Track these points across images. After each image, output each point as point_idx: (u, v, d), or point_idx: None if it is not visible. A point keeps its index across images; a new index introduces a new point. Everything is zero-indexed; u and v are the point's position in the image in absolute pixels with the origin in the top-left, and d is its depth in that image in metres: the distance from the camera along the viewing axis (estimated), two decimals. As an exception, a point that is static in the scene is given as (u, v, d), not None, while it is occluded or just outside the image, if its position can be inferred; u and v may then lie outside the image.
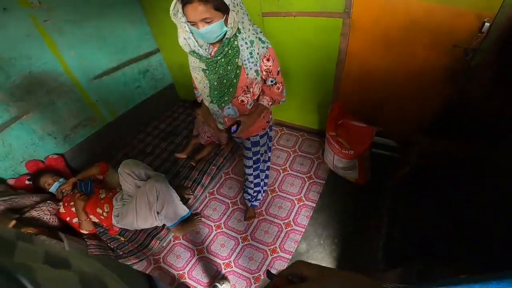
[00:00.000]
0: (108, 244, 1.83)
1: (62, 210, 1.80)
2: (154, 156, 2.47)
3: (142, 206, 1.71)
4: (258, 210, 2.11)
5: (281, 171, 2.37)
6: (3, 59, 1.78)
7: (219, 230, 2.07)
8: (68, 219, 1.80)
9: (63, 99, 2.16)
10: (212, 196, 2.26)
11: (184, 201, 2.05)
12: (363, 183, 2.08)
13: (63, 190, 1.84)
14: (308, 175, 2.30)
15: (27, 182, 1.88)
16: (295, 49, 2.04)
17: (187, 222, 1.97)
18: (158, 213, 1.75)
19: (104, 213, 1.79)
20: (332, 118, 2.02)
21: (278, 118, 2.73)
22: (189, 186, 2.13)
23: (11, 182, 1.88)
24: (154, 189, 1.69)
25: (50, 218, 1.69)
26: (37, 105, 2.00)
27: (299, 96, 2.34)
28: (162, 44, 2.76)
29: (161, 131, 2.77)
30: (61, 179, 1.92)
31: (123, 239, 1.85)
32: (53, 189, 1.87)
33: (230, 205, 2.20)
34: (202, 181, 2.18)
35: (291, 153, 2.52)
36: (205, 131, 2.37)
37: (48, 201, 1.74)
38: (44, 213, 1.67)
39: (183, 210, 1.90)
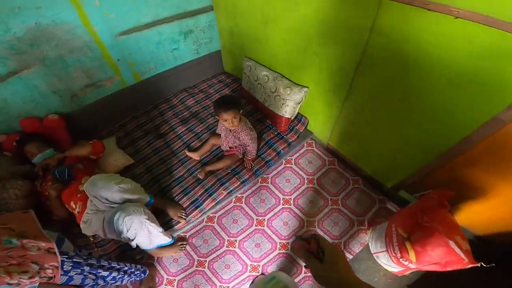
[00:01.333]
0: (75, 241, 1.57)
1: (38, 188, 1.55)
2: (163, 143, 2.03)
3: (111, 230, 1.34)
4: None
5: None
6: (3, 9, 1.40)
7: (200, 268, 1.65)
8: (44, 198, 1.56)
9: (76, 56, 1.76)
10: (210, 223, 1.80)
11: (173, 222, 1.64)
12: None
13: (45, 166, 1.57)
14: (339, 240, 1.64)
15: (14, 143, 1.64)
16: (421, 71, 1.14)
17: (167, 246, 1.59)
18: (129, 238, 1.37)
19: (76, 211, 1.49)
20: (417, 210, 1.22)
21: (336, 146, 1.98)
22: (184, 207, 1.69)
23: (2, 138, 1.67)
24: (124, 223, 1.28)
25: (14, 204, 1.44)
26: (42, 60, 1.65)
27: (387, 133, 1.52)
28: (219, 1, 2.05)
29: (186, 108, 2.26)
30: (47, 150, 1.63)
31: (92, 239, 1.57)
32: (36, 160, 1.61)
33: (226, 244, 1.73)
34: (203, 205, 1.70)
35: (329, 201, 1.83)
36: (229, 138, 1.79)
37: (19, 182, 1.48)
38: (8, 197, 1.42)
39: (163, 240, 1.49)
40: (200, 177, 1.78)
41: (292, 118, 1.95)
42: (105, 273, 1.25)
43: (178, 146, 1.99)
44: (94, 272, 1.18)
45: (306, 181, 1.94)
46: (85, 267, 1.14)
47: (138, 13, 1.84)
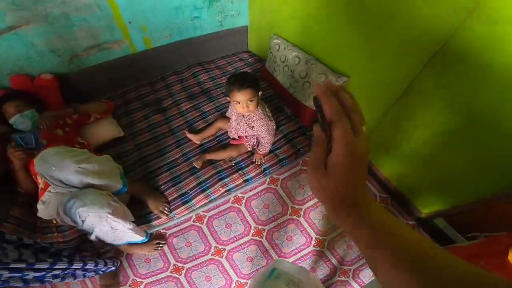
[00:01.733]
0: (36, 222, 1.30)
1: (7, 154, 1.30)
2: (163, 118, 1.73)
3: (66, 217, 1.04)
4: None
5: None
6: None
7: (174, 275, 1.32)
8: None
9: (83, 14, 1.54)
10: (198, 223, 1.46)
11: (152, 216, 1.32)
12: None
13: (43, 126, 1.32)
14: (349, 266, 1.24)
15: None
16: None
17: (139, 243, 1.28)
18: (87, 231, 1.07)
19: (40, 187, 1.22)
20: (474, 253, 0.84)
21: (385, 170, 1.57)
22: (169, 200, 1.36)
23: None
24: (77, 215, 0.98)
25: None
26: (44, 17, 1.46)
27: (449, 150, 1.13)
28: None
29: (197, 83, 1.95)
30: (27, 111, 1.39)
31: (54, 221, 1.29)
32: (12, 121, 1.36)
33: (212, 251, 1.38)
34: (193, 201, 1.36)
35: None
36: (240, 125, 1.43)
37: None
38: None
39: (133, 238, 1.18)
40: (196, 166, 1.45)
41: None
42: (57, 272, 0.96)
43: (179, 124, 1.68)
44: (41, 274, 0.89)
45: (290, 212, 1.54)
46: (29, 273, 0.86)
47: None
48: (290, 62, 1.60)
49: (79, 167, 1.03)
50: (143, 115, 1.74)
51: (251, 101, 1.23)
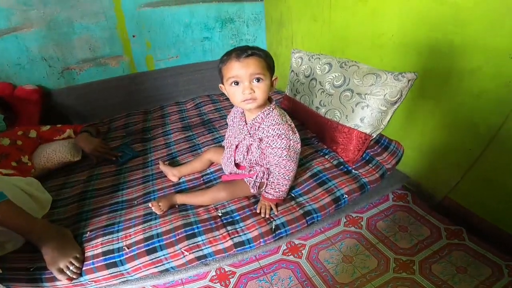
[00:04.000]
0: None
1: None
2: (142, 149, 1.21)
3: None
4: None
5: None
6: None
7: None
8: None
9: (86, 22, 1.40)
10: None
11: (44, 274, 0.66)
12: None
13: None
14: None
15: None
16: None
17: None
18: None
19: None
20: None
21: (467, 203, 0.89)
22: (81, 256, 0.72)
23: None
24: None
25: None
26: (48, 21, 1.36)
27: None
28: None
29: (199, 114, 1.48)
30: None
31: None
32: None
33: None
34: (127, 265, 0.71)
35: None
36: (240, 134, 0.84)
37: None
38: None
39: None
40: (154, 209, 0.82)
41: (373, 136, 0.94)
42: None
43: (159, 156, 1.14)
44: None
45: (393, 265, 0.86)
46: None
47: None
48: (318, 73, 1.10)
49: None
50: (118, 145, 1.26)
51: (257, 80, 0.71)
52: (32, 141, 1.09)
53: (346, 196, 0.87)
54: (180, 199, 0.87)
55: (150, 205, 0.83)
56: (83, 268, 0.71)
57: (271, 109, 0.78)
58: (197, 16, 1.53)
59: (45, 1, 1.32)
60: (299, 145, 0.80)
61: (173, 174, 0.98)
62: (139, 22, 1.46)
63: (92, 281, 0.71)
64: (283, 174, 0.79)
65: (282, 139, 0.76)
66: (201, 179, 0.99)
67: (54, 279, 0.69)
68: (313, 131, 1.15)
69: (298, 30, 1.44)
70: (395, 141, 1.01)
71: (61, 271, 0.68)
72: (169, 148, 1.20)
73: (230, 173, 0.91)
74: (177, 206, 0.87)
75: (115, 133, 1.37)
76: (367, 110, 0.89)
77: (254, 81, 0.70)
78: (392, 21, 0.95)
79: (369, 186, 0.91)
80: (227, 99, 1.59)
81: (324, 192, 0.87)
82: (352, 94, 0.94)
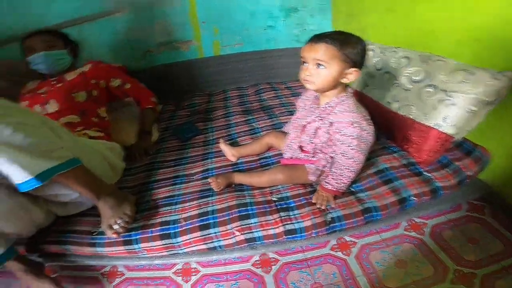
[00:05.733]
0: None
1: None
2: (203, 128, 1.27)
3: None
4: None
5: None
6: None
7: None
8: None
9: (164, 5, 1.48)
10: (180, 279, 0.81)
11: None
12: None
13: None
14: None
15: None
16: None
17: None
18: None
19: None
20: None
21: None
22: (133, 213, 0.81)
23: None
24: None
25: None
26: (135, 6, 1.47)
27: None
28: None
29: (259, 100, 1.49)
30: (55, 51, 1.07)
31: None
32: (30, 58, 1.04)
33: None
34: (179, 239, 0.76)
35: None
36: (309, 116, 0.82)
37: None
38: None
39: None
40: (213, 186, 0.86)
41: (455, 138, 0.83)
42: None
43: (219, 136, 1.17)
44: None
45: (451, 276, 0.78)
46: None
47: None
48: (393, 66, 1.00)
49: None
50: (183, 122, 1.35)
51: (318, 64, 0.69)
52: (105, 92, 1.16)
53: (414, 198, 0.79)
54: (238, 178, 0.89)
55: (209, 180, 0.87)
56: (139, 237, 0.77)
57: (347, 96, 0.74)
58: (262, 4, 1.52)
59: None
60: (371, 138, 0.75)
61: (232, 154, 1.01)
62: (209, 8, 1.51)
63: (145, 249, 0.77)
64: (348, 164, 0.75)
65: (355, 127, 0.72)
66: (258, 162, 1.00)
67: (113, 244, 0.76)
68: (381, 126, 1.05)
69: (370, 22, 1.32)
70: (481, 147, 0.87)
71: (110, 227, 0.73)
72: (229, 129, 1.23)
73: (291, 158, 0.89)
74: (233, 185, 0.90)
75: (181, 112, 1.46)
76: (452, 109, 0.78)
77: (315, 63, 0.70)
78: (493, 12, 0.80)
79: (442, 192, 0.81)
80: (288, 87, 1.60)
81: (389, 191, 0.80)
82: (436, 91, 0.83)
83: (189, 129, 1.24)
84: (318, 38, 0.69)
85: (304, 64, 0.72)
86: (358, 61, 0.70)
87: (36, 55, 1.03)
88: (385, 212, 0.78)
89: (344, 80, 0.72)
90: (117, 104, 1.30)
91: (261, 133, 1.16)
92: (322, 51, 0.68)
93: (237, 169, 0.98)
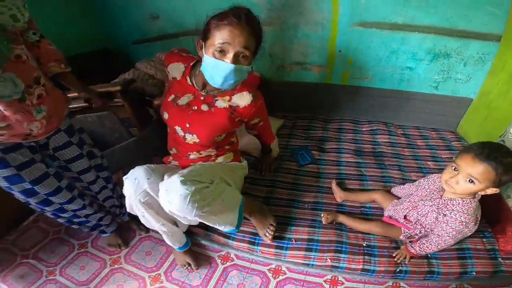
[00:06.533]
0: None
1: None
2: (317, 158, 1.83)
3: None
4: None
5: None
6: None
7: None
8: None
9: (308, 29, 1.98)
10: (271, 275, 1.42)
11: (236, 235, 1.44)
12: None
13: None
14: None
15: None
16: None
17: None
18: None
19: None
20: None
21: None
22: (275, 225, 1.42)
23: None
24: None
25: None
26: (281, 22, 1.99)
27: None
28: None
29: (372, 142, 1.97)
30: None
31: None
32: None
33: None
34: (287, 252, 1.35)
35: None
36: (423, 202, 1.23)
37: None
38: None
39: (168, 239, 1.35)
40: (323, 220, 1.44)
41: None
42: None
43: (330, 172, 1.77)
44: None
45: None
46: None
47: (392, 8, 1.78)
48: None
49: (202, 212, 1.09)
50: (301, 146, 1.97)
51: (470, 180, 0.95)
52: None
53: (475, 274, 1.21)
54: (342, 218, 1.46)
55: (322, 214, 1.46)
56: (261, 242, 1.38)
57: (473, 201, 1.06)
58: (408, 44, 1.86)
59: (283, 3, 1.93)
60: (469, 233, 1.15)
61: (339, 196, 1.58)
62: (348, 39, 1.95)
63: (260, 251, 1.40)
64: (438, 243, 1.17)
65: (462, 224, 1.07)
66: (360, 209, 1.55)
67: (239, 239, 1.40)
68: (490, 209, 1.32)
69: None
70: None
71: (264, 234, 1.39)
72: (339, 167, 1.80)
73: (391, 217, 1.38)
74: (334, 222, 1.45)
75: (297, 131, 2.11)
76: None
77: (468, 180, 0.95)
78: None
79: (502, 274, 1.20)
80: (405, 134, 2.00)
81: (459, 265, 1.25)
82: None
83: (305, 155, 1.83)
84: (487, 155, 0.85)
85: (455, 170, 0.96)
86: (504, 183, 0.91)
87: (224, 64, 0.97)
88: (443, 278, 1.24)
89: (481, 193, 1.00)
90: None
91: (368, 182, 1.68)
92: (481, 171, 0.87)
93: (340, 209, 1.55)
